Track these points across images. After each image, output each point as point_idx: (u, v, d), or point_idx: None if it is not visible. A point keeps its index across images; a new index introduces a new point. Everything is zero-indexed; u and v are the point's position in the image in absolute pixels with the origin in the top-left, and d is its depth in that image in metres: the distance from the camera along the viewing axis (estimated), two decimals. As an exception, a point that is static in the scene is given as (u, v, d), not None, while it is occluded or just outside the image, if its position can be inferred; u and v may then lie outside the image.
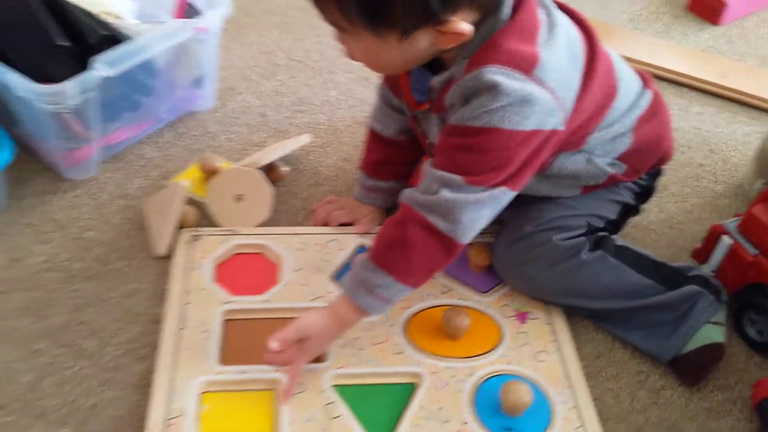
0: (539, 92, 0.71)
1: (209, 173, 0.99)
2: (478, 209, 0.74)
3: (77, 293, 0.88)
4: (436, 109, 0.80)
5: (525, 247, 0.87)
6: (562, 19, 0.77)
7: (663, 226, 1.03)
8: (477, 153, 0.73)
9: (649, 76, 0.92)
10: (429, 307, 0.88)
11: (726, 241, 0.88)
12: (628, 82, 0.86)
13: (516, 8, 0.73)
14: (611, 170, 0.86)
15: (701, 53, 1.38)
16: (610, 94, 0.83)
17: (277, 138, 1.11)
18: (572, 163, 0.84)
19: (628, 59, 1.30)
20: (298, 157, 1.08)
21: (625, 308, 0.86)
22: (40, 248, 0.93)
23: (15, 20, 0.91)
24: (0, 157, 0.91)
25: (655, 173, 0.94)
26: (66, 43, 0.92)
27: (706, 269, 0.91)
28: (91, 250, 0.93)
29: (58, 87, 0.88)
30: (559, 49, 0.74)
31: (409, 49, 0.72)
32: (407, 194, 0.77)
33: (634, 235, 1.01)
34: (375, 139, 0.96)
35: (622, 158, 0.87)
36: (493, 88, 0.70)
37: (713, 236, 0.90)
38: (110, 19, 1.03)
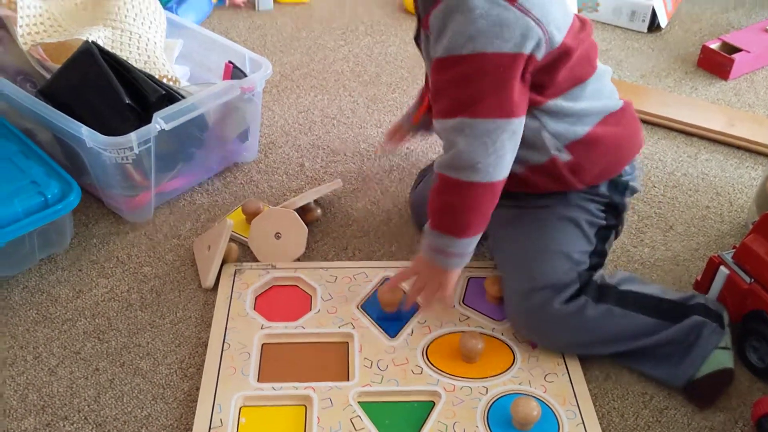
0: (518, 16, 0.76)
1: (251, 215, 1.10)
2: (497, 145, 0.79)
3: (134, 320, 0.99)
4: (424, 25, 0.84)
5: (529, 310, 0.91)
6: None
7: (669, 263, 1.10)
8: (472, 82, 0.78)
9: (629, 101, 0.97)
10: (447, 333, 0.96)
11: (723, 271, 0.95)
12: (606, 78, 0.92)
13: None
14: (554, 152, 0.88)
15: (710, 104, 1.46)
16: (587, 70, 0.88)
17: (312, 185, 1.23)
18: (526, 121, 0.85)
19: (639, 111, 1.40)
20: (331, 201, 1.19)
21: (633, 348, 0.91)
22: (102, 281, 1.05)
23: (89, 81, 1.05)
24: (68, 200, 1.01)
25: (619, 188, 0.95)
26: (132, 103, 1.05)
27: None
28: (147, 282, 1.05)
29: (122, 139, 1.00)
30: None
31: None
32: (437, 162, 0.83)
33: (642, 271, 1.08)
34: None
35: (569, 146, 0.89)
36: (470, 11, 0.75)
37: (711, 267, 0.97)
38: (167, 82, 1.17)
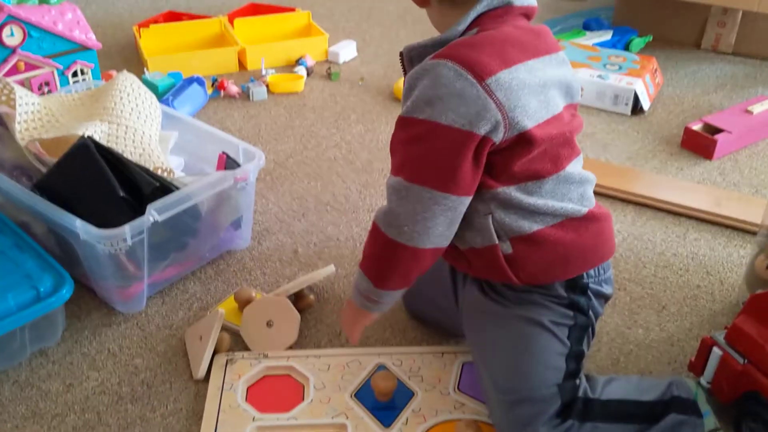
0: (479, 94, 0.78)
1: (243, 303, 1.11)
2: (426, 214, 0.81)
3: (124, 414, 0.97)
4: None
5: (514, 427, 0.87)
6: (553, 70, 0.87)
7: (664, 344, 1.10)
8: (419, 147, 0.80)
9: (607, 212, 0.93)
10: (443, 422, 0.95)
11: (716, 352, 0.95)
12: (579, 185, 0.89)
13: (498, 18, 0.84)
14: (495, 241, 0.86)
15: (696, 184, 1.48)
16: (547, 168, 0.85)
17: (305, 271, 1.23)
18: (474, 202, 0.85)
19: (627, 193, 1.43)
20: (324, 287, 1.20)
21: None
22: (93, 374, 1.04)
23: (85, 175, 1.07)
24: (60, 293, 1.01)
25: (577, 290, 0.90)
26: (127, 195, 1.07)
27: (702, 381, 0.96)
28: (139, 375, 1.03)
29: (116, 231, 1.01)
30: (529, 78, 0.81)
31: (430, 11, 0.89)
32: (377, 210, 0.86)
33: (637, 353, 1.07)
34: None
35: (513, 239, 0.86)
36: (437, 77, 0.79)
37: (704, 348, 0.96)
38: (162, 173, 1.19)
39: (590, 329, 0.92)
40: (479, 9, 0.84)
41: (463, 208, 0.84)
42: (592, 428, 0.87)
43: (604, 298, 0.94)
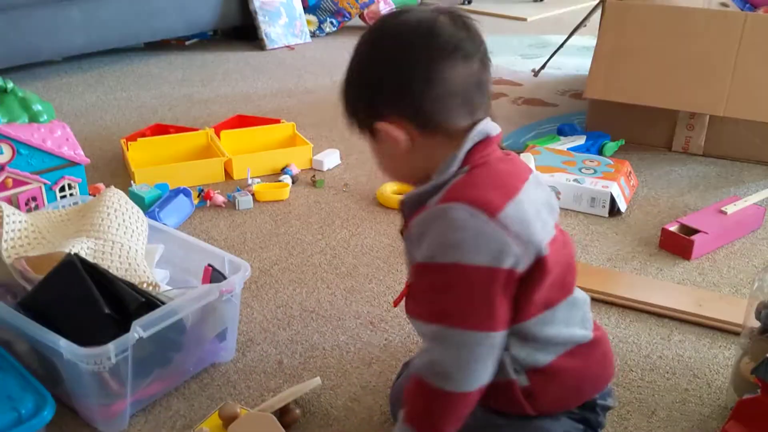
0: (496, 231, 0.80)
1: (228, 420, 1.08)
2: (473, 356, 0.80)
3: None
4: (406, 229, 0.89)
5: None
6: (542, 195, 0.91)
7: (656, 450, 1.09)
8: (451, 292, 0.80)
9: (605, 332, 0.98)
10: None
11: (709, 460, 0.94)
12: (579, 306, 0.92)
13: (482, 151, 0.86)
14: (512, 375, 0.87)
15: (676, 285, 1.51)
16: (559, 295, 0.88)
17: (291, 383, 1.22)
18: None
19: (609, 295, 1.45)
20: (310, 400, 1.18)
21: None
22: (71, 500, 1.00)
23: (70, 293, 1.07)
24: (42, 415, 1.00)
25: (588, 407, 0.93)
26: (112, 312, 1.07)
27: (697, 490, 0.95)
28: (119, 499, 1.00)
29: (100, 350, 1.00)
30: (528, 205, 0.84)
31: (384, 149, 0.89)
32: (415, 363, 0.83)
33: (629, 460, 1.06)
34: None
35: (529, 372, 0.88)
36: (452, 221, 0.80)
37: (696, 456, 0.96)
38: (147, 287, 1.20)
39: None
40: (467, 146, 0.86)
41: (503, 342, 0.84)
42: None
43: (608, 410, 0.97)
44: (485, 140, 0.88)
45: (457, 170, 0.86)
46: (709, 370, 1.25)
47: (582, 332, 0.92)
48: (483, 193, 0.82)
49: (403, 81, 0.84)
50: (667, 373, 1.25)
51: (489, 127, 0.88)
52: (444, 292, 0.81)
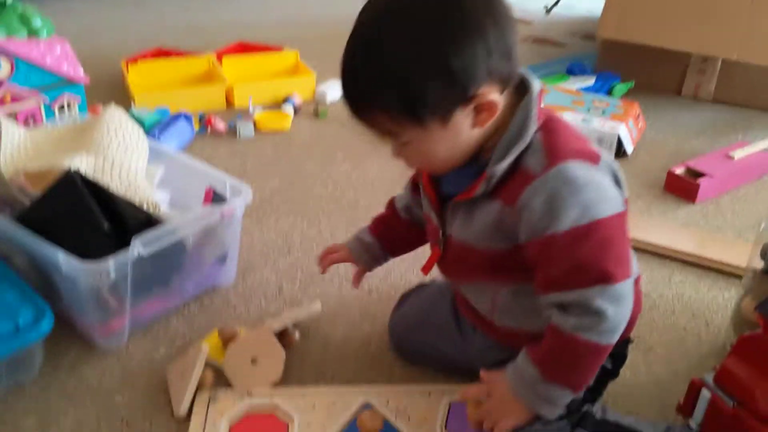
0: (605, 178, 0.80)
1: (228, 339, 1.09)
2: (630, 304, 0.80)
3: (102, 452, 0.95)
4: (494, 196, 0.83)
5: None
6: None
7: (652, 386, 1.09)
8: (609, 246, 0.78)
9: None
10: (430, 463, 0.93)
11: (705, 394, 0.94)
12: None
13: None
14: None
15: (680, 227, 1.50)
16: None
17: (291, 308, 1.22)
18: None
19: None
20: (309, 326, 1.18)
21: None
22: (71, 411, 1.01)
23: (69, 208, 1.06)
24: (40, 327, 0.99)
25: (621, 343, 0.92)
26: (111, 229, 1.05)
27: (692, 423, 0.95)
28: (118, 411, 1.01)
29: (100, 264, 1.00)
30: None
31: (454, 135, 0.79)
32: (566, 324, 0.80)
33: (625, 394, 1.06)
34: (390, 202, 1.10)
35: None
36: (574, 180, 0.77)
37: (693, 390, 0.96)
38: (147, 207, 1.18)
39: (613, 375, 0.97)
40: (535, 99, 0.82)
41: None
42: None
43: (630, 342, 0.99)
44: (540, 91, 0.84)
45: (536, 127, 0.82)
46: (708, 310, 1.26)
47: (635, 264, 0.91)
48: (580, 144, 0.81)
49: (490, 31, 0.75)
50: (667, 312, 1.25)
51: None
52: (605, 250, 0.79)
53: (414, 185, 1.03)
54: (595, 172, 0.79)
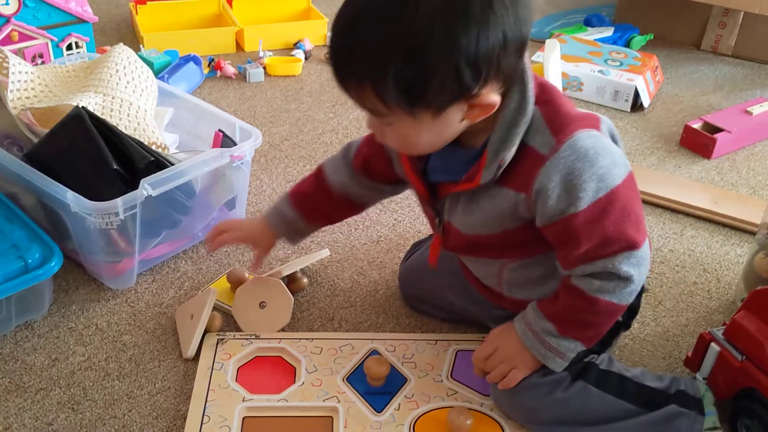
0: (609, 141, 0.79)
1: (236, 283, 1.08)
2: (647, 268, 0.81)
3: (111, 390, 0.95)
4: (501, 183, 0.80)
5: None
6: None
7: (659, 338, 1.09)
8: (628, 212, 0.78)
9: None
10: (435, 409, 0.93)
11: (714, 348, 0.94)
12: None
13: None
14: None
15: (693, 182, 1.48)
16: None
17: (299, 254, 1.21)
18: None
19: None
20: (318, 271, 1.18)
21: None
22: (79, 350, 1.01)
23: (77, 146, 1.04)
24: (49, 265, 0.99)
25: (640, 292, 0.92)
26: (120, 168, 1.04)
27: (699, 376, 0.95)
28: (126, 351, 1.01)
29: (108, 204, 0.99)
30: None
31: (442, 126, 0.75)
32: (590, 286, 0.80)
33: (632, 347, 1.06)
34: (318, 179, 0.99)
35: None
36: (585, 151, 0.75)
37: (702, 344, 0.95)
38: (156, 149, 1.17)
39: (626, 326, 0.97)
40: (531, 77, 0.78)
41: None
42: (581, 388, 0.88)
43: (644, 292, 0.97)
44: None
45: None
46: (719, 266, 1.24)
47: None
48: (580, 115, 0.79)
49: (507, 26, 0.69)
50: (677, 266, 1.24)
51: None
52: (623, 218, 0.78)
53: (363, 166, 0.97)
54: (601, 138, 0.78)
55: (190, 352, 0.99)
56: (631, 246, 0.78)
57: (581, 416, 0.88)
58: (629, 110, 1.75)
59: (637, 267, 0.80)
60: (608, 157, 0.77)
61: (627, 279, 0.80)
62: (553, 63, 1.66)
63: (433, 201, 0.89)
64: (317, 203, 1.01)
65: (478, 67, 0.69)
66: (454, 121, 0.75)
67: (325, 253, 1.16)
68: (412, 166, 0.87)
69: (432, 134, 0.77)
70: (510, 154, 0.77)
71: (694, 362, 0.97)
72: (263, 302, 1.04)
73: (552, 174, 0.76)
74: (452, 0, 0.67)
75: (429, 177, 0.88)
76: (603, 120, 0.82)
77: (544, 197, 0.77)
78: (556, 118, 0.77)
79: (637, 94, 1.73)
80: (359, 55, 0.70)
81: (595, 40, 1.99)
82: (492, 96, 0.74)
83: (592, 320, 0.84)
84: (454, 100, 0.72)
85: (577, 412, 0.88)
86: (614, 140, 0.83)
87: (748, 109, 1.66)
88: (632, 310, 0.95)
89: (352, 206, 1.03)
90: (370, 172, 0.97)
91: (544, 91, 0.79)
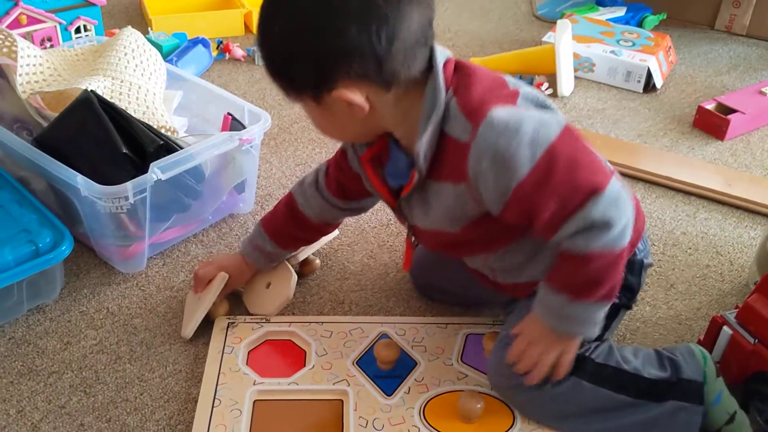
0: (531, 110, 0.78)
1: (246, 267, 1.09)
2: (628, 200, 0.78)
3: (122, 373, 0.96)
4: (439, 177, 0.81)
5: (503, 375, 0.90)
6: None
7: (672, 321, 1.08)
8: (574, 168, 0.76)
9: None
10: (445, 392, 0.93)
11: (726, 331, 0.93)
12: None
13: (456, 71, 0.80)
14: None
15: (706, 164, 1.46)
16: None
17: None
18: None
19: (636, 170, 1.41)
20: (328, 254, 1.18)
21: (607, 427, 0.88)
22: (91, 333, 1.02)
23: (87, 130, 1.04)
24: (60, 249, 0.99)
25: (635, 268, 0.92)
26: (129, 152, 1.04)
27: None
28: (137, 335, 1.02)
29: (118, 188, 0.99)
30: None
31: (331, 114, 0.79)
32: (581, 243, 0.77)
33: (644, 330, 1.06)
34: (293, 212, 1.02)
35: None
36: (507, 123, 0.75)
37: (714, 327, 0.95)
38: (165, 132, 1.16)
39: (626, 308, 0.94)
40: (440, 73, 0.79)
41: None
42: (574, 383, 0.87)
43: (649, 267, 0.96)
44: (447, 61, 0.80)
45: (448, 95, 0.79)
46: (732, 248, 1.23)
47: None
48: (494, 89, 0.79)
49: (363, 39, 0.72)
50: (690, 249, 1.23)
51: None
52: (573, 167, 0.76)
53: (337, 190, 0.99)
54: (518, 110, 0.77)
55: (187, 332, 1.00)
56: (594, 190, 0.75)
57: (578, 410, 0.88)
58: (642, 91, 1.73)
59: (613, 207, 0.76)
60: (531, 122, 0.76)
61: (607, 224, 0.76)
62: (564, 44, 1.64)
63: (396, 206, 0.90)
64: (295, 234, 1.04)
65: (323, 66, 0.75)
66: (343, 113, 0.78)
67: (335, 233, 1.16)
68: (374, 171, 0.89)
69: (329, 121, 0.82)
70: (423, 143, 0.78)
71: (705, 345, 0.96)
72: (269, 282, 1.04)
73: (481, 158, 0.76)
74: (299, 19, 0.74)
75: (388, 183, 0.89)
76: (522, 94, 0.80)
77: (484, 181, 0.77)
78: (468, 102, 0.77)
79: (649, 75, 1.71)
80: (262, 53, 0.80)
81: (607, 20, 1.96)
82: (351, 95, 0.76)
83: (596, 276, 0.80)
84: (316, 90, 0.77)
85: (572, 406, 0.88)
86: (545, 106, 0.81)
87: (763, 89, 1.63)
88: (630, 288, 0.92)
89: (331, 227, 1.07)
90: (348, 193, 0.99)
91: (461, 74, 0.80)
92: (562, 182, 0.76)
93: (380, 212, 1.29)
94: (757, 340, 0.90)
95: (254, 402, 0.91)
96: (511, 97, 0.79)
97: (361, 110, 0.78)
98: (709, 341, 0.96)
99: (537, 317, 0.86)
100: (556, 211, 0.76)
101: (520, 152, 0.75)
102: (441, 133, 0.79)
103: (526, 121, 0.75)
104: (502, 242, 0.88)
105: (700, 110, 1.59)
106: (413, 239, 0.96)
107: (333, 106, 0.78)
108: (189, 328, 1.00)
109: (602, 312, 0.84)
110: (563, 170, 0.76)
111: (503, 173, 0.76)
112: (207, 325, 1.01)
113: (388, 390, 0.93)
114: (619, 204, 0.77)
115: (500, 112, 0.75)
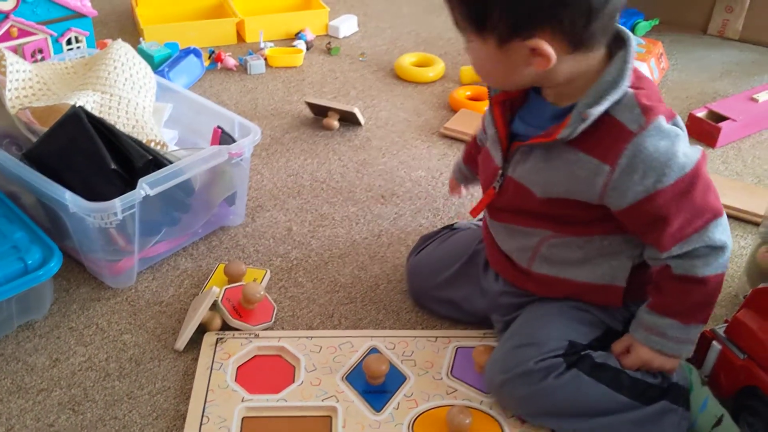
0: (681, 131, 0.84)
1: (233, 277, 1.09)
2: (730, 234, 0.86)
3: (111, 391, 0.96)
4: (579, 147, 0.83)
5: (502, 368, 0.91)
6: None
7: (662, 333, 1.08)
8: (709, 189, 0.83)
9: None
10: (434, 407, 0.93)
11: (716, 346, 0.93)
12: None
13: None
14: (623, 283, 0.91)
15: (698, 173, 1.46)
16: None
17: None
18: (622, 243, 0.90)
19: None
20: (318, 267, 1.18)
21: (602, 426, 0.89)
22: (80, 350, 1.02)
23: (76, 146, 1.04)
24: (48, 266, 0.99)
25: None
26: (118, 168, 1.04)
27: (701, 374, 0.95)
28: (127, 351, 1.02)
29: (106, 204, 0.99)
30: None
31: (506, 60, 0.80)
32: (699, 266, 0.84)
33: (634, 341, 1.06)
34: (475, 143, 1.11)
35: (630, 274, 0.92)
36: (669, 131, 0.81)
37: (704, 342, 0.94)
38: (155, 146, 1.16)
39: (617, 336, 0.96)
40: (632, 59, 0.82)
41: None
42: (575, 376, 0.88)
43: None
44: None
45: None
46: (723, 258, 1.23)
47: None
48: (662, 104, 0.83)
49: None
50: (680, 259, 1.23)
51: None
52: (707, 189, 0.83)
53: (467, 159, 1.13)
54: (677, 126, 0.84)
55: (180, 344, 1.00)
56: (717, 214, 0.84)
57: (574, 407, 0.88)
58: (634, 98, 1.73)
59: (725, 233, 0.85)
60: (685, 140, 0.83)
61: (722, 247, 0.84)
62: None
63: (506, 149, 0.91)
64: (472, 156, 1.11)
65: (533, 12, 0.75)
66: (519, 62, 0.79)
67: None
68: (502, 112, 0.91)
69: (498, 66, 0.82)
70: (596, 112, 0.80)
71: (696, 360, 0.96)
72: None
73: (640, 151, 0.80)
74: None
75: (512, 127, 0.91)
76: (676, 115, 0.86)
77: (631, 172, 0.81)
78: (647, 97, 0.81)
79: (641, 82, 1.71)
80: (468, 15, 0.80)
81: (599, 26, 1.96)
82: (545, 47, 0.77)
83: (706, 299, 0.87)
84: (511, 35, 0.77)
85: (569, 402, 0.88)
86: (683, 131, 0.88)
87: (754, 96, 1.63)
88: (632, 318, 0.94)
89: None
90: (472, 165, 1.11)
91: (640, 79, 0.84)
92: (697, 200, 0.83)
93: (371, 223, 1.29)
94: (746, 355, 0.90)
95: (243, 419, 0.91)
96: (671, 115, 0.84)
97: (544, 63, 0.78)
98: (698, 356, 0.95)
99: (637, 342, 0.90)
100: (683, 224, 0.83)
101: (675, 161, 0.80)
102: (606, 113, 0.81)
103: (682, 138, 0.83)
104: (575, 230, 0.90)
105: (691, 118, 1.59)
106: (497, 187, 0.93)
107: (514, 54, 0.79)
108: (181, 341, 1.00)
109: (700, 331, 0.90)
110: (701, 189, 0.82)
111: (652, 173, 0.81)
112: (199, 338, 1.01)
113: (377, 405, 0.93)
114: (728, 230, 0.85)
115: (665, 121, 0.81)
